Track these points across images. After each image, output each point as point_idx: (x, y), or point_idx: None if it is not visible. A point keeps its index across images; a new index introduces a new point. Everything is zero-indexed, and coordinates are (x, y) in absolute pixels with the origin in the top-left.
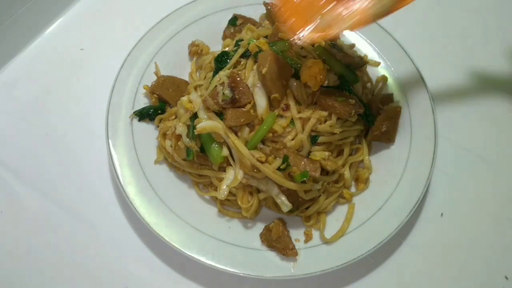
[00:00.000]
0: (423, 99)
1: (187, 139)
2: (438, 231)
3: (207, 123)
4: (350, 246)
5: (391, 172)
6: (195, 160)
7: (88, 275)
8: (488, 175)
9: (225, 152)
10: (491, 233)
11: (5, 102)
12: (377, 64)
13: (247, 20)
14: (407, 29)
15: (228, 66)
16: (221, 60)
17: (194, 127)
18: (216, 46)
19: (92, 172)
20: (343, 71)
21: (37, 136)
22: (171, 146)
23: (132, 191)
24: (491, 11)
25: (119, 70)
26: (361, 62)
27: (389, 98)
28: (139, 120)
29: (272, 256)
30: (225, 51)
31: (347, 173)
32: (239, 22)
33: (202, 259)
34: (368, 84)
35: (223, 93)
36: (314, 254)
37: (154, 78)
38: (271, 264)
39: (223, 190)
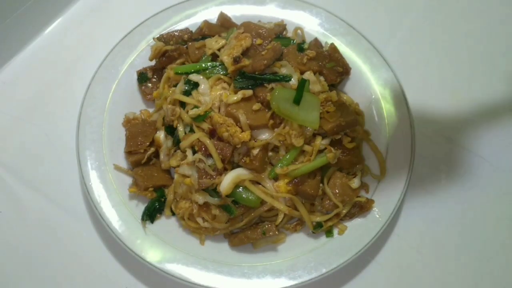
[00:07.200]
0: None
1: (215, 199)
2: (438, 231)
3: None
4: (340, 249)
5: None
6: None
7: (88, 274)
8: (488, 174)
9: None
10: (491, 233)
11: (5, 102)
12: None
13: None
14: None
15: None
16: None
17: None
18: None
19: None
20: None
21: (37, 136)
22: (205, 222)
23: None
24: (482, 21)
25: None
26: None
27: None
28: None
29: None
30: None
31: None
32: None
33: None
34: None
35: (208, 165)
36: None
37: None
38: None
39: None
